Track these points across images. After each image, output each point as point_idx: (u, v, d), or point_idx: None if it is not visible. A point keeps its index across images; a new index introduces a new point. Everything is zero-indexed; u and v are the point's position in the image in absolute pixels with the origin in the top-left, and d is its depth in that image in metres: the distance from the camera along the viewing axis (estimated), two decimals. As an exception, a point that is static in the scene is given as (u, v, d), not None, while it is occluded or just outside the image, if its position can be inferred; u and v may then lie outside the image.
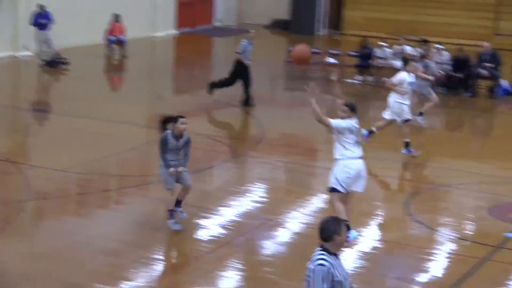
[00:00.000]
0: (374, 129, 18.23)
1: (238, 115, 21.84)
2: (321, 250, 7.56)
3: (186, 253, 12.74)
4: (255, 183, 16.22)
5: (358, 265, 12.19)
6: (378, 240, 13.17)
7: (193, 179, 16.20)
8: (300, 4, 35.57)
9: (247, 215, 14.27)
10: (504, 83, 24.73)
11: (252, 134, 20.22)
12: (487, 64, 24.80)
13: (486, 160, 18.42)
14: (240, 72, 22.20)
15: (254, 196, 15.34)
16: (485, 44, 25.65)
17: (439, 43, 26.41)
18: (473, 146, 19.61)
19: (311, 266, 7.54)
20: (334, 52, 28.22)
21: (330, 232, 7.51)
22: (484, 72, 24.84)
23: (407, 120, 17.88)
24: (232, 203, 14.74)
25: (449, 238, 13.55)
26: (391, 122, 18.21)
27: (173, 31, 36.23)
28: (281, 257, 12.71)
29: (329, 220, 7.67)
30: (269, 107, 22.61)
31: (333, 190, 12.50)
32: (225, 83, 22.52)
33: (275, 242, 13.06)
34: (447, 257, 12.71)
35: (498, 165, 17.90)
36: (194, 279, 11.65)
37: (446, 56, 25.47)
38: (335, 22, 36.24)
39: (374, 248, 12.85)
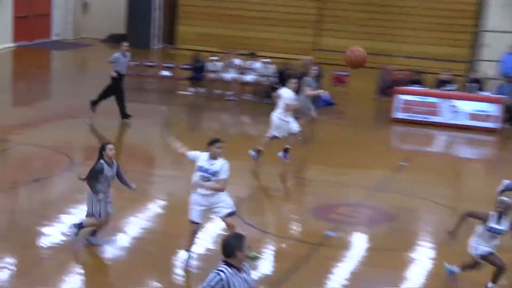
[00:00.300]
0: (260, 148, 18.25)
1: (77, 126, 21.61)
2: (224, 264, 7.66)
3: (26, 260, 12.39)
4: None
5: (194, 266, 12.44)
6: (211, 242, 13.30)
7: (34, 188, 16.12)
8: (135, 19, 35.49)
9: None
10: (324, 94, 25.43)
11: (91, 144, 20.07)
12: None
13: (309, 165, 18.98)
14: (114, 83, 21.94)
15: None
16: (307, 58, 26.26)
17: (266, 57, 27.00)
18: (297, 153, 20.14)
19: (212, 274, 7.66)
20: (168, 65, 28.36)
21: (233, 248, 7.62)
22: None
23: (294, 133, 18.23)
24: (72, 210, 14.61)
25: (276, 238, 13.90)
26: (273, 138, 18.27)
27: (10, 45, 35.29)
28: (121, 261, 12.78)
29: (231, 237, 7.90)
30: (108, 117, 22.48)
31: (235, 213, 12.36)
32: (118, 97, 22.15)
33: (115, 247, 13.07)
34: (274, 256, 13.04)
35: (321, 170, 18.47)
36: (35, 284, 11.50)
37: (272, 69, 25.94)
38: (170, 36, 36.42)
39: (208, 249, 13.01)
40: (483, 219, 11.23)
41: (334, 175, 18.16)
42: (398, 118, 23.77)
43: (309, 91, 20.19)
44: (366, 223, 15.29)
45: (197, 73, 26.47)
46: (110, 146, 12.66)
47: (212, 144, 11.87)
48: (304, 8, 33.86)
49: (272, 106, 24.86)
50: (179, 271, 12.35)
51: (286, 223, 14.99)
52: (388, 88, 25.20)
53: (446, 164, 20.97)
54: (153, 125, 21.95)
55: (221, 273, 7.57)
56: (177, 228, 13.45)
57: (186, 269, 12.21)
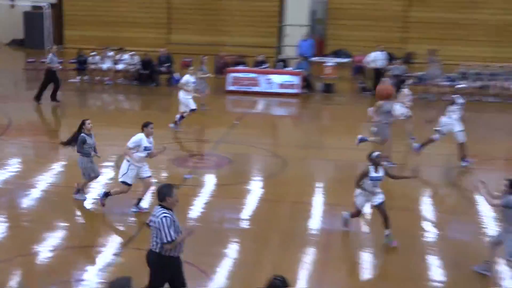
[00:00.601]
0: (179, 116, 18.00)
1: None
2: (161, 208, 7.51)
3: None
4: (9, 158, 15.34)
5: (91, 207, 12.05)
6: (104, 188, 12.85)
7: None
8: (31, 26, 33.73)
9: (5, 181, 13.58)
10: (176, 75, 25.24)
11: (2, 123, 18.98)
12: (165, 65, 25.26)
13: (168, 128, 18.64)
14: (50, 77, 21.07)
15: (8, 167, 14.56)
16: (162, 50, 26.06)
17: (131, 50, 26.46)
18: (160, 119, 19.79)
19: (157, 219, 7.45)
20: (59, 60, 27.22)
21: (163, 195, 7.51)
22: (162, 69, 25.20)
23: (193, 110, 17.94)
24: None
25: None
26: (186, 112, 17.98)
27: None
28: (35, 210, 12.25)
29: (162, 186, 7.69)
30: (15, 102, 21.44)
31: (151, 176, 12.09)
32: (43, 88, 21.16)
33: (29, 199, 12.57)
34: (148, 196, 12.73)
35: (178, 131, 18.17)
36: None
37: (137, 59, 25.47)
38: (59, 39, 34.83)
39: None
40: (366, 174, 10.63)
41: (187, 133, 17.97)
42: (230, 90, 23.79)
43: (200, 74, 20.10)
44: (213, 167, 15.25)
45: (81, 65, 25.65)
46: (88, 121, 12.23)
47: (146, 126, 11.66)
48: (156, 13, 33.27)
49: (138, 86, 24.73)
50: (78, 213, 12.00)
51: (155, 171, 14.68)
52: (222, 69, 25.22)
53: (266, 121, 21.25)
54: (50, 105, 21.12)
55: (167, 215, 7.45)
56: (73, 181, 12.97)
57: (102, 204, 12.04)
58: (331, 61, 25.59)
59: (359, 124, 20.33)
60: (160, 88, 24.80)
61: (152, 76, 25.13)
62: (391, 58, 25.07)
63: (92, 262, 10.06)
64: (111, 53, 25.93)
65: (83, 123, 12.21)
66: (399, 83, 17.30)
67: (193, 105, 18.07)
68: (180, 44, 31.70)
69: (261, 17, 32.19)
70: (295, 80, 23.74)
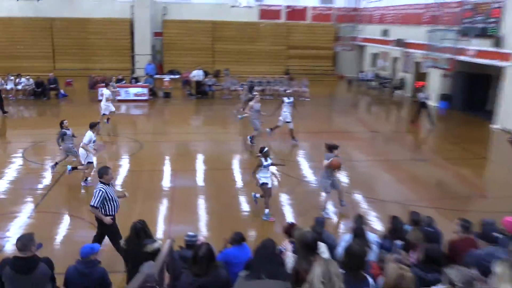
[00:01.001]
0: (99, 121, 15.91)
1: None
2: (100, 183, 6.99)
3: None
4: None
5: (7, 186, 10.83)
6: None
7: None
8: None
9: None
10: (62, 91, 23.57)
11: None
12: (52, 85, 23.27)
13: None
14: None
15: None
16: (50, 74, 23.97)
17: (28, 75, 24.04)
18: (52, 122, 18.22)
19: (95, 190, 6.93)
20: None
21: (101, 173, 6.94)
22: (51, 87, 23.22)
23: (112, 112, 16.91)
24: None
25: (44, 167, 12.46)
26: (104, 115, 16.87)
27: None
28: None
29: (101, 167, 7.14)
30: None
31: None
32: None
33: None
34: (48, 179, 11.75)
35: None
36: None
37: (32, 81, 23.17)
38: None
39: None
40: (260, 164, 9.67)
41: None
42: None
43: (111, 89, 18.83)
44: (100, 149, 14.15)
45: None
46: (65, 121, 11.39)
47: (95, 126, 11.00)
48: (44, 48, 30.32)
49: (34, 100, 22.57)
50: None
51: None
52: (93, 85, 23.87)
53: (127, 118, 20.29)
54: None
55: (101, 189, 6.95)
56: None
57: (85, 186, 11.07)
58: (167, 77, 25.44)
59: (190, 116, 20.54)
60: (50, 100, 22.86)
61: (44, 92, 23.07)
62: (206, 74, 25.49)
63: (12, 224, 9.15)
64: (12, 78, 23.35)
65: (62, 122, 11.44)
66: (250, 90, 17.90)
67: (112, 109, 17.25)
68: (63, 69, 29.40)
69: (119, 50, 30.85)
70: (145, 91, 23.07)
